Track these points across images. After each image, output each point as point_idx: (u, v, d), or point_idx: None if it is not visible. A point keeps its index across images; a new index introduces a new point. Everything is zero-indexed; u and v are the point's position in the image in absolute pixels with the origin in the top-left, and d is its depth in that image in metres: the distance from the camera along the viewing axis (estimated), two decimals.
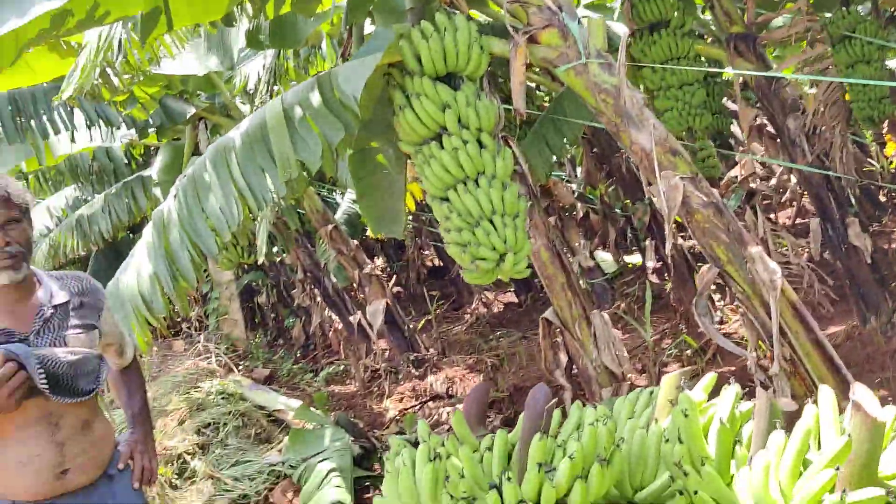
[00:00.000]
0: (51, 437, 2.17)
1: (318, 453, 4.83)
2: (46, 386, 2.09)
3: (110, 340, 2.45)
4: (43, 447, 2.16)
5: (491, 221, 3.00)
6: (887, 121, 6.66)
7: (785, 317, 3.01)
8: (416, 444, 2.57)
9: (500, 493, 2.11)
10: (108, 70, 3.75)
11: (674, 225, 6.91)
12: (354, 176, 3.54)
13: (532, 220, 4.04)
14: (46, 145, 6.21)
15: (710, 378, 2.60)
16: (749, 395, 2.51)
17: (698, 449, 2.16)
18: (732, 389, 2.45)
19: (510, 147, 3.37)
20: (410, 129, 3.02)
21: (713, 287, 5.10)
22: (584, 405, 2.66)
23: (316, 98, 2.94)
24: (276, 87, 5.73)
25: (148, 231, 3.14)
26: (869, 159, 9.78)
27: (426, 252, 12.28)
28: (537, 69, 5.30)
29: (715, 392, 2.52)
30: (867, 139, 9.41)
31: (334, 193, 10.19)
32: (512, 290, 10.33)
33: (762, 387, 2.98)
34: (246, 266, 9.98)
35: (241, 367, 7.92)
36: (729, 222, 3.02)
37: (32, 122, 5.26)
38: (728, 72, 5.60)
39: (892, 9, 6.09)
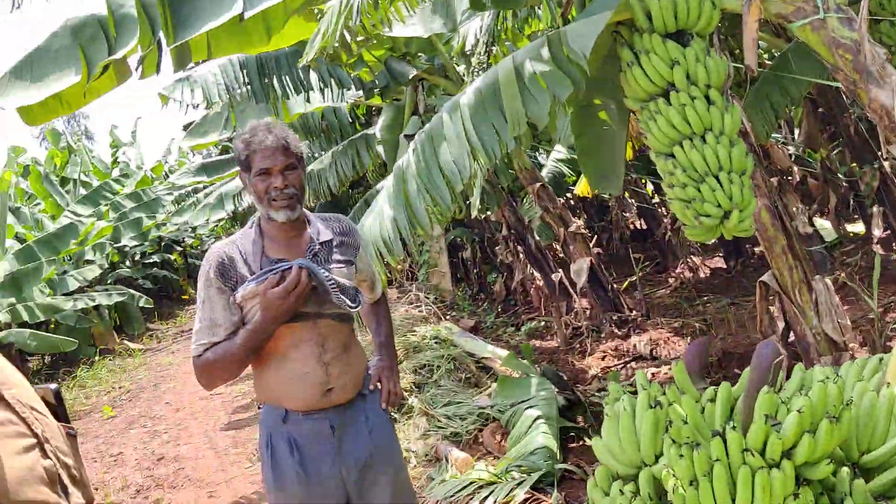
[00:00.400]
0: (318, 357, 2.49)
1: (525, 400, 5.03)
2: (336, 287, 2.41)
3: (364, 277, 2.73)
4: (312, 366, 2.48)
5: (717, 178, 2.99)
6: None
7: None
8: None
9: (724, 441, 2.17)
10: (346, 34, 4.03)
11: None
12: (576, 132, 3.63)
13: (754, 180, 3.94)
14: (284, 104, 6.81)
15: None
16: None
17: None
18: None
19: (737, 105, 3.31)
20: (637, 86, 3.06)
21: None
22: (803, 368, 2.63)
23: (546, 56, 3.05)
24: (493, 49, 5.90)
25: (389, 182, 3.42)
26: None
27: (627, 214, 12.14)
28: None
29: None
30: None
31: (538, 153, 10.32)
32: (720, 255, 10.01)
33: None
34: (454, 221, 10.37)
35: (447, 317, 8.32)
36: None
37: (275, 83, 5.79)
38: None
39: None
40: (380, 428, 2.61)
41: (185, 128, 12.05)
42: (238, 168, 2.57)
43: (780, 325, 4.46)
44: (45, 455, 1.20)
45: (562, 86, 2.96)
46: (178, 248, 23.58)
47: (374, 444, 2.56)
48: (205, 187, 14.73)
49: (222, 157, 13.53)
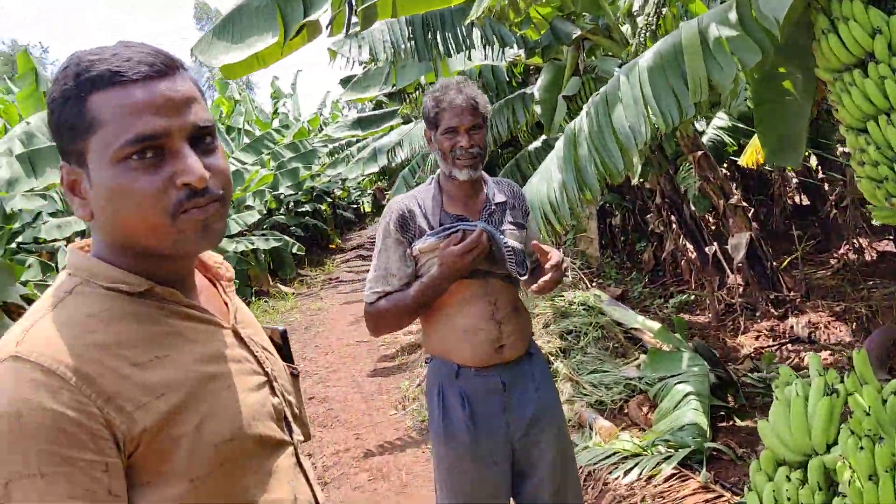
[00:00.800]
0: (491, 315, 2.54)
1: (675, 375, 4.93)
2: (511, 253, 2.45)
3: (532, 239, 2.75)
4: (485, 322, 2.54)
5: None
6: None
7: None
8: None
9: None
10: None
11: None
12: (756, 101, 3.45)
13: None
14: (444, 62, 6.86)
15: None
16: None
17: None
18: None
19: None
20: (832, 55, 2.87)
21: None
22: None
23: (733, 20, 2.91)
24: (663, 10, 5.67)
25: (559, 145, 3.40)
26: None
27: (789, 188, 11.47)
28: None
29: None
30: None
31: (697, 119, 9.89)
32: (890, 237, 9.32)
33: None
34: (606, 186, 10.16)
35: (594, 284, 8.23)
36: None
37: (439, 41, 5.84)
38: None
39: None
40: (545, 386, 2.65)
41: (343, 82, 12.41)
42: (424, 125, 2.63)
43: None
44: (273, 393, 1.26)
45: (749, 52, 2.82)
46: (328, 199, 24.45)
47: (540, 401, 2.60)
48: (358, 141, 15.17)
49: (376, 112, 13.87)
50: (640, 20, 6.36)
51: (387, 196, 29.17)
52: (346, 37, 6.07)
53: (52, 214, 10.29)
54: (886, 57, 2.79)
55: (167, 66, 1.08)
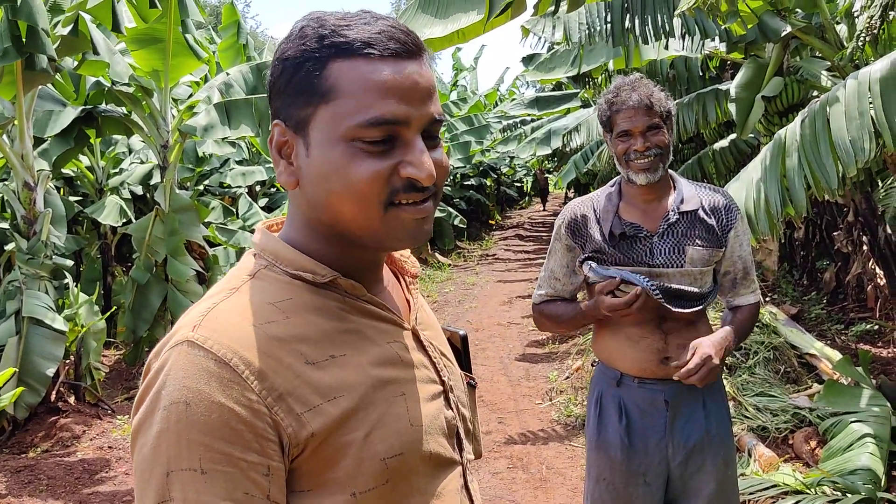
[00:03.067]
0: (657, 325, 2.38)
1: (853, 412, 4.52)
2: (660, 297, 2.28)
3: (728, 267, 2.46)
4: (650, 332, 2.38)
5: None
6: None
7: None
8: None
9: None
10: None
11: None
12: None
13: None
14: (637, 49, 6.58)
15: None
16: None
17: None
18: None
19: None
20: None
21: None
22: None
23: None
24: (890, 13, 5.13)
25: (765, 152, 3.13)
26: None
27: None
28: None
29: None
30: None
31: None
32: None
33: None
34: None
35: (767, 299, 7.73)
36: None
37: (636, 26, 5.58)
38: None
39: None
40: (717, 413, 2.44)
41: (526, 60, 12.28)
42: (601, 128, 2.50)
43: None
44: (448, 405, 1.14)
45: None
46: (493, 175, 24.54)
47: (707, 429, 2.41)
48: (532, 120, 15.03)
49: (555, 93, 13.65)
50: (861, 21, 5.82)
51: (548, 179, 28.96)
52: (542, 15, 5.94)
53: (239, 163, 10.89)
54: None
55: (417, 48, 1.01)
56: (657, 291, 2.28)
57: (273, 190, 12.60)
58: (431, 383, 1.12)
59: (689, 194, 2.42)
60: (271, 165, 10.74)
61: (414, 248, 9.77)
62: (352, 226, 1.01)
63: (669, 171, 2.45)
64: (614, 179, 2.54)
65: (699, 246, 2.37)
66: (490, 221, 22.83)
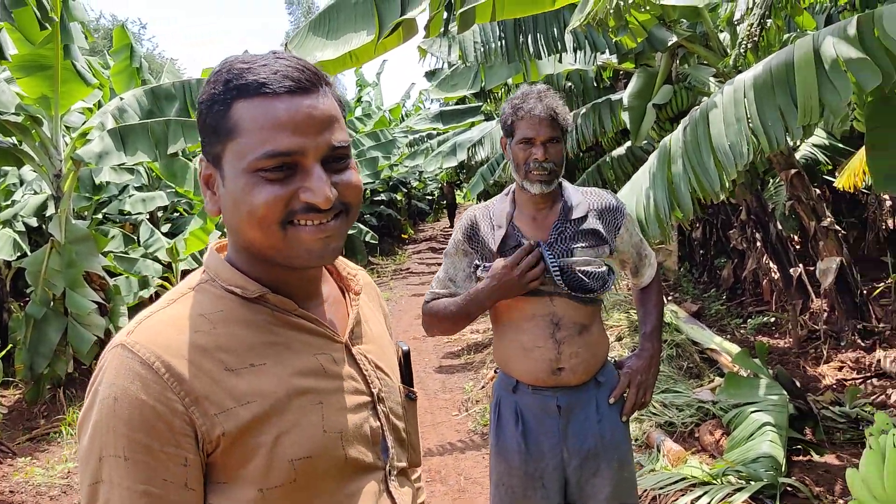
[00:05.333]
0: (551, 334, 2.43)
1: (752, 403, 4.72)
2: (559, 276, 2.35)
3: (624, 258, 2.59)
4: (543, 341, 2.43)
5: None
6: None
7: None
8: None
9: None
10: (621, 1, 3.88)
11: None
12: (868, 124, 3.24)
13: None
14: (534, 64, 6.74)
15: None
16: None
17: None
18: None
19: None
20: None
21: None
22: None
23: (853, 40, 2.73)
24: (767, 21, 5.43)
25: (652, 159, 3.26)
26: None
27: (883, 211, 10.95)
28: None
29: None
30: None
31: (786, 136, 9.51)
32: None
33: None
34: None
35: (669, 298, 8.00)
36: None
37: (529, 43, 5.73)
38: None
39: None
40: (611, 419, 2.51)
41: (429, 74, 12.39)
42: (502, 133, 2.55)
43: None
44: (375, 415, 1.23)
45: (869, 74, 2.63)
46: (403, 190, 24.59)
47: (602, 434, 2.48)
48: (438, 134, 15.16)
49: (459, 106, 13.81)
50: (742, 30, 6.12)
51: (455, 192, 29.20)
52: (439, 35, 6.02)
53: (139, 188, 10.58)
54: None
55: (312, 83, 1.10)
56: (556, 267, 2.36)
57: (176, 215, 12.29)
58: (358, 394, 1.22)
59: (578, 200, 2.49)
60: (172, 190, 10.46)
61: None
62: (259, 247, 1.12)
63: (561, 180, 2.52)
64: (508, 188, 2.59)
65: (589, 247, 2.44)
66: (402, 236, 22.86)
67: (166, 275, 9.17)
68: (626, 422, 2.58)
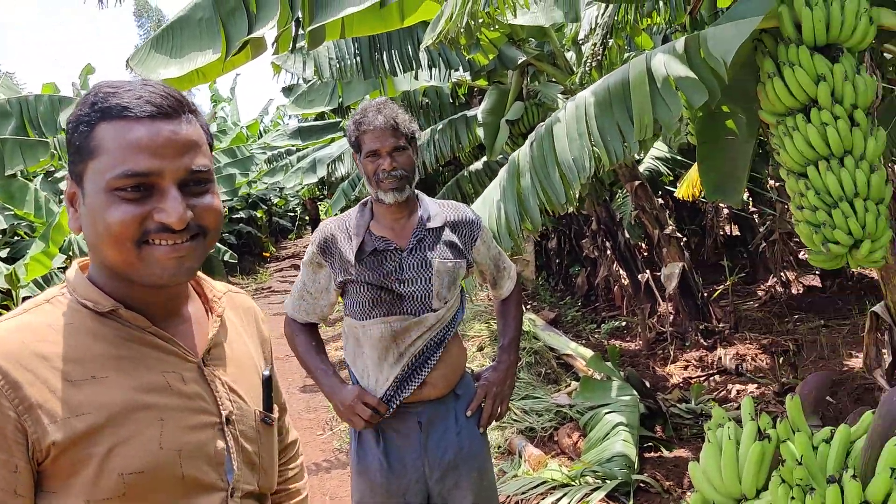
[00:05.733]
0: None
1: (606, 404, 4.93)
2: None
3: (483, 270, 2.67)
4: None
5: (851, 204, 2.83)
6: None
7: None
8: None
9: (842, 489, 2.05)
10: (470, 19, 3.98)
11: None
12: (699, 139, 3.48)
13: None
14: (391, 81, 6.80)
15: None
16: None
17: None
18: None
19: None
20: (776, 99, 2.91)
21: None
22: None
23: (681, 59, 2.92)
24: (609, 41, 5.74)
25: (503, 173, 3.36)
26: None
27: (721, 219, 11.75)
28: None
29: None
30: None
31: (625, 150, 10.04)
32: (816, 272, 9.61)
33: None
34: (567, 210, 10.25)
35: (528, 307, 8.23)
36: None
37: (385, 60, 5.78)
38: None
39: None
40: (469, 430, 2.57)
41: (287, 90, 12.23)
42: (351, 149, 2.58)
43: (888, 358, 4.24)
44: (222, 437, 1.23)
45: (696, 92, 2.83)
46: (264, 207, 24.08)
47: (461, 445, 2.52)
48: (298, 150, 14.97)
49: (318, 122, 13.70)
50: (586, 49, 6.43)
51: (319, 207, 28.94)
52: (290, 51, 5.96)
53: None
54: (829, 104, 2.84)
55: (174, 109, 1.15)
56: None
57: (17, 238, 11.47)
58: (204, 414, 1.22)
59: (435, 212, 2.55)
60: (11, 212, 9.73)
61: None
62: (116, 264, 1.15)
63: (416, 190, 2.56)
64: (365, 199, 2.61)
65: (445, 259, 2.49)
66: (264, 254, 22.35)
67: (5, 302, 8.56)
68: (484, 432, 2.64)
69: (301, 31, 2.64)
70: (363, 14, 2.74)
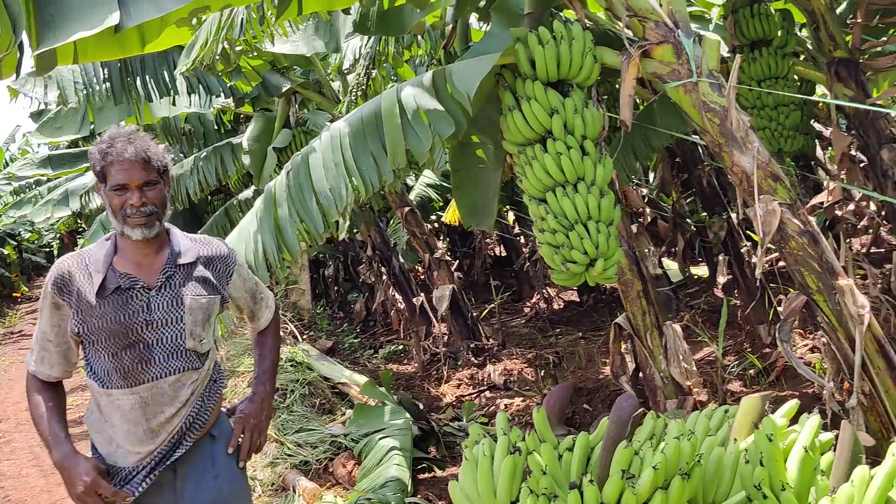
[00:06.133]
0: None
1: (380, 430, 4.97)
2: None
3: (240, 304, 2.58)
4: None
5: (585, 226, 3.07)
6: None
7: (868, 351, 3.02)
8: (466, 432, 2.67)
9: (581, 494, 2.20)
10: (227, 46, 3.91)
11: (748, 243, 6.83)
12: (453, 167, 3.63)
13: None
14: (147, 107, 6.47)
15: (792, 405, 2.64)
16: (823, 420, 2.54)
17: (779, 474, 2.21)
18: (814, 419, 2.49)
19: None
20: (516, 130, 3.10)
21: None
22: (655, 415, 2.73)
23: (430, 92, 3.04)
24: (372, 72, 5.85)
25: (259, 203, 3.29)
26: None
27: (489, 241, 12.35)
28: None
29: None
30: None
31: (407, 175, 10.34)
32: (574, 288, 10.36)
33: (837, 419, 3.00)
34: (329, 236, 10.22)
35: (304, 337, 8.13)
36: (823, 252, 3.03)
37: (139, 85, 5.48)
38: (825, 100, 5.53)
39: None
40: (229, 471, 2.47)
41: (35, 116, 11.25)
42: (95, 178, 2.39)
43: (631, 366, 4.63)
44: None
45: (444, 124, 2.95)
46: (12, 242, 21.91)
47: (220, 488, 2.42)
48: (48, 180, 13.79)
49: (70, 150, 12.71)
50: (351, 79, 6.52)
51: (78, 242, 26.89)
52: (29, 73, 5.50)
53: None
54: (562, 135, 3.06)
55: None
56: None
57: None
58: None
59: (187, 247, 2.42)
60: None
61: None
62: None
63: (165, 224, 2.42)
64: (109, 234, 2.42)
65: (198, 296, 2.37)
66: (14, 294, 20.31)
67: None
68: (244, 469, 2.55)
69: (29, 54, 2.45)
70: (98, 39, 2.58)
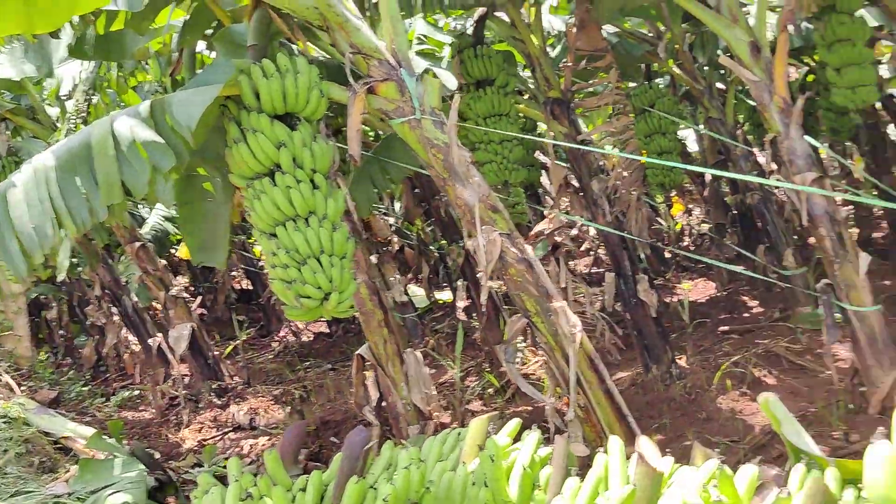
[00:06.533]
0: None
1: (111, 485, 4.57)
2: None
3: None
4: None
5: (318, 260, 3.05)
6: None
7: (581, 367, 3.28)
8: (214, 477, 2.56)
9: None
10: None
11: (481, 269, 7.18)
12: (178, 200, 3.46)
13: (354, 257, 4.12)
14: None
15: (514, 424, 2.80)
16: (546, 433, 2.72)
17: (501, 493, 2.33)
18: (534, 435, 2.66)
19: (342, 187, 3.44)
20: (243, 163, 3.02)
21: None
22: (393, 443, 2.77)
23: (147, 123, 2.87)
24: (94, 97, 5.45)
25: None
26: (658, 219, 10.81)
27: (234, 273, 11.94)
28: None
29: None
30: (658, 201, 10.39)
31: (140, 206, 9.72)
32: (323, 319, 10.30)
33: (559, 433, 3.23)
34: (37, 279, 9.27)
35: (23, 388, 7.31)
36: (538, 277, 3.25)
37: None
38: (543, 141, 6.02)
39: (686, 86, 6.86)
40: None
41: None
42: None
43: (375, 395, 4.67)
44: None
45: (164, 156, 2.79)
46: None
47: None
48: None
49: None
50: (70, 105, 6.03)
51: None
52: None
53: None
54: (291, 168, 3.03)
55: None
56: None
57: None
58: None
59: None
60: None
61: None
62: None
63: None
64: None
65: None
66: None
67: None
68: None
69: None
70: None
